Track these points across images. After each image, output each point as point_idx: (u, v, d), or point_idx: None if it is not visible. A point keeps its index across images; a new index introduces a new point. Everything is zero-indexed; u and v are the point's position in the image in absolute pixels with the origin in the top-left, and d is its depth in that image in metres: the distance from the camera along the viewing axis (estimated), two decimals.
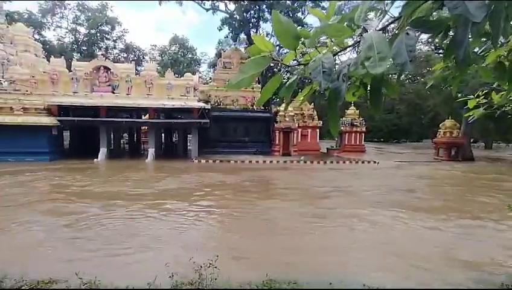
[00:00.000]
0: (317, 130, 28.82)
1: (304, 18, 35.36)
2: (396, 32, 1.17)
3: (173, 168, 17.47)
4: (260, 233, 7.32)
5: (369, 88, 1.45)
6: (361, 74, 1.09)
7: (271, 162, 21.23)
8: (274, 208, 9.50)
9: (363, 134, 31.66)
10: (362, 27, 1.15)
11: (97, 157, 20.12)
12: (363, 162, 22.37)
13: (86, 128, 22.88)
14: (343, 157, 24.59)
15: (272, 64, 1.27)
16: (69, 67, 21.77)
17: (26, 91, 19.76)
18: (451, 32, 1.25)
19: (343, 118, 31.27)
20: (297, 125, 25.67)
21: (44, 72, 21.16)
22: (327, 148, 30.00)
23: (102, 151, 20.66)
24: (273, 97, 30.94)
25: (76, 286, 4.26)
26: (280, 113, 24.75)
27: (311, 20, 37.11)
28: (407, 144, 52.81)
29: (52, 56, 24.48)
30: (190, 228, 7.57)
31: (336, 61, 1.23)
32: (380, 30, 1.18)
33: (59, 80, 20.49)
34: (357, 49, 1.36)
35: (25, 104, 18.90)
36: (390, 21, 1.27)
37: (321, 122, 28.88)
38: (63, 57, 24.93)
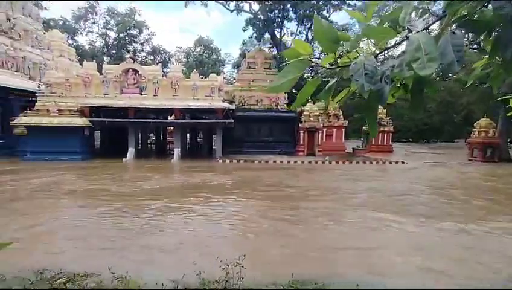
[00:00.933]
0: (343, 130, 28.26)
1: (329, 16, 34.81)
2: (439, 32, 1.10)
3: (199, 167, 17.76)
4: (292, 232, 7.26)
5: (410, 89, 1.38)
6: (406, 75, 1.02)
7: (295, 162, 21.06)
8: (306, 208, 9.40)
9: (391, 134, 30.68)
10: (406, 28, 1.09)
11: (126, 157, 20.85)
12: (390, 162, 21.68)
13: (115, 129, 23.74)
14: (369, 157, 23.96)
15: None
16: (100, 70, 22.70)
17: (61, 94, 20.82)
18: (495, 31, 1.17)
19: None
20: (322, 125, 25.30)
21: (77, 76, 22.22)
22: (353, 149, 29.34)
23: (131, 151, 21.38)
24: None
25: (109, 279, 4.41)
26: (305, 113, 24.50)
27: (336, 18, 36.45)
28: (438, 144, 50.44)
29: (85, 60, 25.68)
30: (224, 224, 7.65)
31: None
32: (421, 30, 1.12)
33: (91, 82, 21.43)
34: (394, 50, 1.29)
35: (60, 106, 19.92)
36: (432, 21, 1.20)
37: (347, 122, 28.29)
38: (94, 60, 26.12)
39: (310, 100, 23.57)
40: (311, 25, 36.33)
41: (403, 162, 21.48)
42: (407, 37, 1.07)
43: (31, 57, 25.09)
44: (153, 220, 8.01)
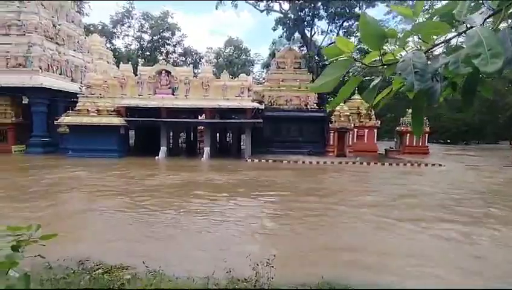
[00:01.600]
0: (375, 130, 27.33)
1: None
2: (494, 27, 1.02)
3: (228, 167, 17.98)
4: (329, 234, 7.15)
5: (461, 88, 1.30)
6: (462, 73, 0.96)
7: (325, 162, 20.71)
8: (337, 210, 9.21)
9: (427, 134, 29.24)
10: (462, 23, 1.02)
11: (158, 155, 21.58)
12: (426, 164, 20.65)
13: (149, 128, 24.64)
14: (403, 159, 22.99)
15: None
16: (135, 72, 23.67)
17: (100, 95, 21.99)
18: None
19: (404, 117, 29.22)
20: (353, 125, 24.65)
21: (114, 77, 23.34)
22: (385, 150, 28.29)
23: (163, 150, 22.10)
24: (327, 96, 30.13)
25: (143, 272, 4.57)
26: (335, 113, 24.00)
27: (368, 14, 35.33)
28: (479, 145, 47.20)
29: (121, 62, 26.89)
30: (255, 223, 7.70)
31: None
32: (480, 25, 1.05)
33: (127, 83, 22.41)
34: (442, 46, 1.22)
35: (98, 106, 21.05)
36: (488, 15, 1.12)
37: (379, 121, 27.34)
38: (130, 62, 27.29)
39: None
40: (342, 22, 35.51)
41: (440, 165, 20.38)
42: (461, 33, 1.01)
43: (73, 60, 26.70)
44: (183, 217, 8.23)
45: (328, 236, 7.22)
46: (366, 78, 23.77)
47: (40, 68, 22.87)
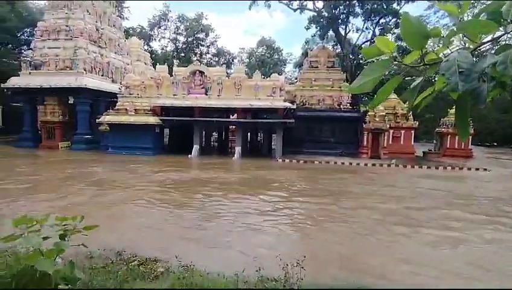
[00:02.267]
0: (412, 131, 26.05)
1: (400, 10, 32.44)
2: None
3: (259, 167, 18.05)
4: (359, 238, 6.99)
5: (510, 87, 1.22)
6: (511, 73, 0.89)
7: (358, 164, 20.12)
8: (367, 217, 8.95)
9: (470, 136, 27.34)
10: (511, 22, 0.96)
11: (191, 154, 22.18)
12: (469, 169, 19.36)
13: (182, 127, 25.38)
14: (443, 162, 21.71)
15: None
16: (170, 72, 24.50)
17: (137, 95, 23.05)
18: None
19: (445, 118, 27.58)
20: (388, 126, 23.70)
21: (151, 78, 24.33)
22: (423, 152, 26.90)
23: (195, 148, 22.67)
24: (362, 96, 29.24)
25: (176, 266, 4.72)
26: (370, 113, 23.23)
27: (405, 10, 33.78)
28: None
29: (158, 63, 27.98)
30: (288, 223, 7.69)
31: None
32: None
33: (162, 84, 23.27)
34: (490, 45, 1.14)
35: (136, 106, 22.07)
36: None
37: (417, 122, 26.04)
38: (165, 63, 28.30)
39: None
40: (379, 19, 34.27)
41: (485, 169, 19.01)
42: (510, 32, 0.94)
43: (113, 62, 28.20)
44: (219, 213, 8.39)
45: (369, 246, 7.01)
46: (407, 78, 22.80)
47: (85, 70, 24.39)
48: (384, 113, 23.72)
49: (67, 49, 24.61)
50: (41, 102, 25.52)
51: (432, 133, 32.00)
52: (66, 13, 25.26)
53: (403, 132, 25.92)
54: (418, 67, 1.11)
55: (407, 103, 1.33)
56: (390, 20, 34.11)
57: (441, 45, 1.07)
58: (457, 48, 1.10)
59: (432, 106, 33.16)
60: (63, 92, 24.15)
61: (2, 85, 25.22)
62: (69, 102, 24.92)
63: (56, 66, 24.60)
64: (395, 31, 36.37)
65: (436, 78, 1.15)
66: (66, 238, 2.83)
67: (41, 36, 25.35)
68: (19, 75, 25.09)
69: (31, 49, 25.85)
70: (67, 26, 24.88)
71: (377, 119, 23.12)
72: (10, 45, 38.19)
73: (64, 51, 24.64)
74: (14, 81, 24.68)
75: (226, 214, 8.46)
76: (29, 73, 24.76)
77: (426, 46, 1.08)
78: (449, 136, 27.16)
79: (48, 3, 26.36)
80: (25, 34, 38.47)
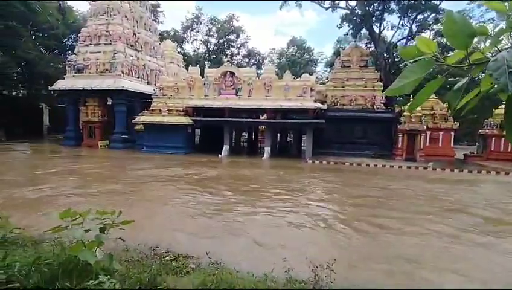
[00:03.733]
0: (452, 133, 24.60)
1: (439, 5, 30.80)
2: None
3: (288, 167, 17.95)
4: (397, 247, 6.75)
5: None
6: None
7: (391, 166, 19.35)
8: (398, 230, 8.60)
9: None
10: None
11: (221, 153, 22.55)
12: None
13: (213, 127, 25.88)
14: (486, 166, 20.28)
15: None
16: (202, 74, 25.07)
17: (171, 96, 23.86)
18: None
19: (490, 119, 25.73)
20: (425, 127, 22.56)
21: (183, 79, 25.06)
22: (464, 155, 25.30)
23: (225, 148, 23.02)
24: (397, 96, 28.11)
25: (206, 263, 4.83)
26: (405, 113, 22.27)
27: (445, 4, 32.05)
28: None
29: (190, 65, 28.77)
30: (318, 225, 7.61)
31: None
32: None
33: (194, 85, 23.89)
34: None
35: (169, 106, 22.85)
36: None
37: (457, 123, 24.56)
38: (197, 65, 29.01)
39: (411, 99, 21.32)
40: (416, 15, 32.74)
41: None
42: None
43: (149, 65, 29.40)
44: (248, 213, 8.46)
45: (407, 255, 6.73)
46: (450, 79, 21.63)
47: (122, 72, 25.64)
48: (420, 114, 22.62)
49: (107, 53, 26.00)
50: (83, 103, 27.18)
51: (474, 135, 30.04)
52: (106, 19, 26.71)
53: (441, 133, 24.58)
54: (462, 67, 1.05)
55: (448, 104, 1.25)
56: (429, 15, 32.45)
57: (487, 44, 1.00)
58: (506, 46, 1.03)
59: (474, 106, 31.11)
60: (102, 93, 25.62)
61: (50, 88, 27.24)
62: (108, 103, 26.35)
63: (97, 69, 26.09)
64: (434, 27, 34.58)
65: (480, 78, 1.08)
66: (105, 232, 3.01)
67: (84, 41, 27.04)
68: (64, 78, 26.95)
69: (75, 53, 27.65)
70: (107, 31, 26.30)
71: (413, 120, 22.11)
72: (57, 51, 41.13)
73: (104, 54, 26.06)
74: (60, 84, 26.55)
75: (261, 212, 8.49)
76: (73, 76, 26.52)
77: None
78: (494, 139, 25.27)
79: (90, 9, 28.02)
80: (70, 40, 41.24)
